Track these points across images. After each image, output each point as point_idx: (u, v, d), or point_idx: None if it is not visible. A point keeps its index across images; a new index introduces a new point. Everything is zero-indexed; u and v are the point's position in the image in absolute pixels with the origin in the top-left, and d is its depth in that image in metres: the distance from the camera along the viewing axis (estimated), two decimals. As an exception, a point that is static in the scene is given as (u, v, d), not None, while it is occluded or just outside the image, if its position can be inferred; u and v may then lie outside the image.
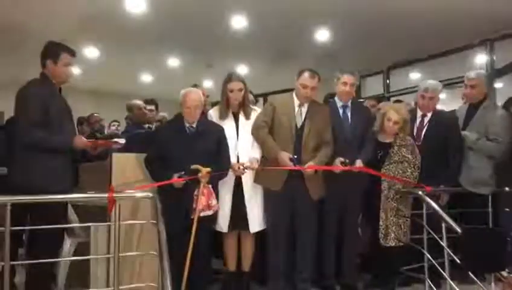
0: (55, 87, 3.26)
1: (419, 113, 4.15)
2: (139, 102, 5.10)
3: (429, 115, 4.11)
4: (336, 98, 3.95)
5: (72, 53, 3.28)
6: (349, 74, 3.83)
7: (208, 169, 3.26)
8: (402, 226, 3.73)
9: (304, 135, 3.66)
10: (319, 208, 3.74)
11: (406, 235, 3.73)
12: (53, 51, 3.21)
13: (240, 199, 3.64)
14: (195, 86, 4.10)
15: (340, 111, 3.89)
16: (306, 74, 3.66)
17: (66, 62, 3.23)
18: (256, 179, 3.70)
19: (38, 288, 3.11)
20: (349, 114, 3.90)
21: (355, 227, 3.96)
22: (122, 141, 3.52)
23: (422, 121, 4.12)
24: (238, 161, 3.64)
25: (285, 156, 3.53)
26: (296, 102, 3.73)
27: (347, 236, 3.87)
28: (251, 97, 4.45)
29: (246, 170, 3.58)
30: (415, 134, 4.07)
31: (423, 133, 4.07)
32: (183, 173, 3.26)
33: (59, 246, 3.43)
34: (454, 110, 4.57)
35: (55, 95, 3.23)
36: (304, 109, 3.73)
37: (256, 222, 3.67)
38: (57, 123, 3.14)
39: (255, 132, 3.69)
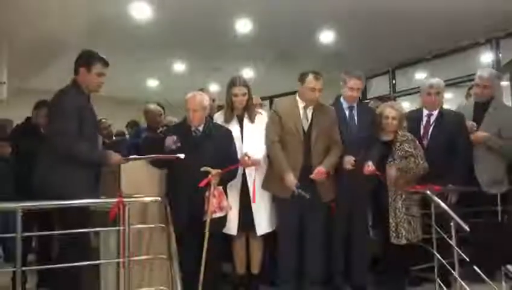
0: (87, 96, 3.31)
1: (425, 112, 4.13)
2: (159, 107, 5.15)
3: (435, 113, 4.09)
4: (342, 100, 3.94)
5: (106, 63, 3.33)
6: (355, 79, 3.80)
7: (218, 170, 3.27)
8: (412, 222, 3.71)
9: (312, 138, 3.65)
10: (328, 209, 3.73)
11: (416, 232, 3.72)
12: (87, 59, 3.27)
13: (247, 201, 3.65)
14: (201, 90, 4.11)
15: (347, 112, 3.89)
16: (311, 77, 3.62)
17: (99, 72, 3.28)
18: (265, 186, 3.71)
19: None
20: (355, 115, 3.89)
21: (364, 227, 3.95)
22: (181, 156, 3.38)
23: (428, 120, 4.10)
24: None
25: (291, 182, 3.50)
26: (301, 105, 3.71)
27: (356, 236, 3.85)
28: (259, 100, 4.46)
29: (253, 163, 3.59)
30: (421, 133, 4.06)
31: (430, 132, 4.06)
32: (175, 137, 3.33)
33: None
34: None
35: (88, 105, 3.29)
36: (309, 112, 3.71)
37: (263, 224, 3.68)
38: (88, 134, 3.20)
39: (268, 147, 3.68)
